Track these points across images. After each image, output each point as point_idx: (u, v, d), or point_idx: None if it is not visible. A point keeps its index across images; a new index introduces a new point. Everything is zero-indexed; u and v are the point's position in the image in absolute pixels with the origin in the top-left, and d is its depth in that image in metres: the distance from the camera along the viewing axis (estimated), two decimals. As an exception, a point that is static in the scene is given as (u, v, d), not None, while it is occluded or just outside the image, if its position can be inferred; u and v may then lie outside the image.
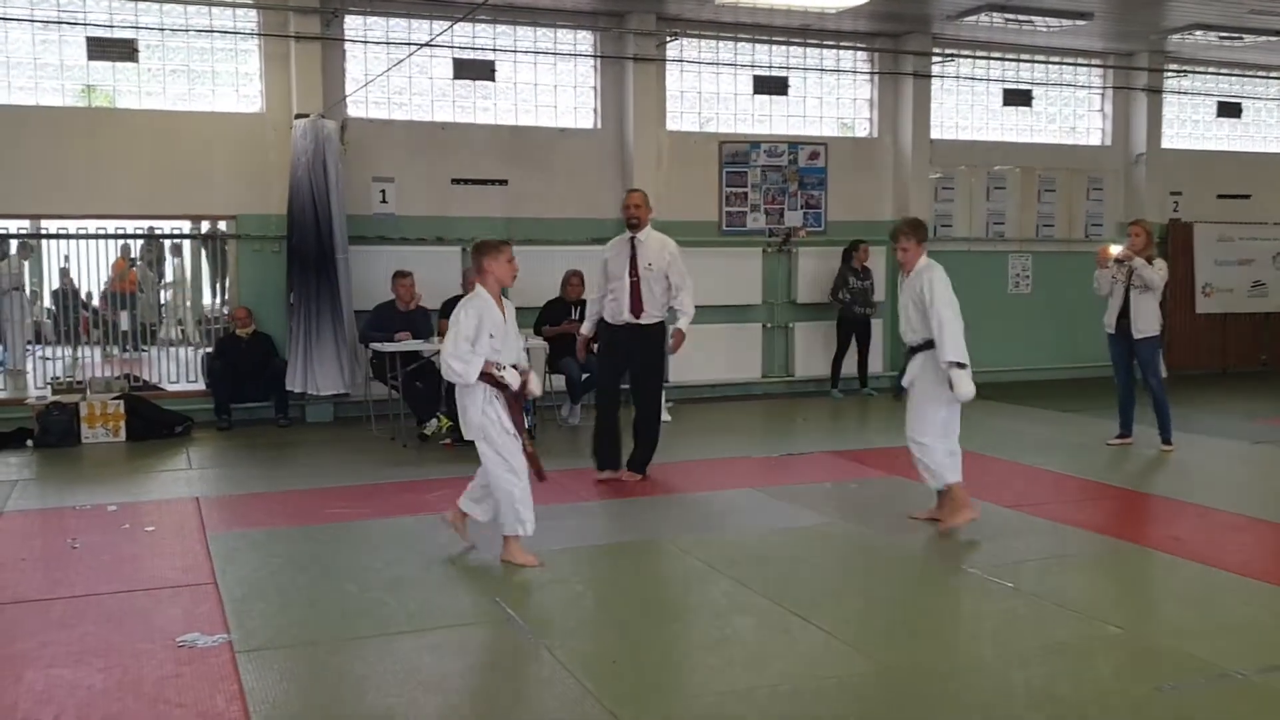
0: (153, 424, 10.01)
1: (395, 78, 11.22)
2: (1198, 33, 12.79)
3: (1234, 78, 15.11)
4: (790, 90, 12.92)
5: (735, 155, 12.63)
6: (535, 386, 5.98)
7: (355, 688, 4.38)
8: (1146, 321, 9.12)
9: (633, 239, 7.68)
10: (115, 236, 11.48)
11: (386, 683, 4.38)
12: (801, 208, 12.94)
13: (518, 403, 5.86)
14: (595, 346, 8.37)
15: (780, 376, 12.99)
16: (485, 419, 5.78)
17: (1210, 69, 14.80)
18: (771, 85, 12.81)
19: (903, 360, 7.01)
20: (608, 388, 8.02)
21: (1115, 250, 9.05)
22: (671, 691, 4.36)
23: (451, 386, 6.10)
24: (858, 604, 5.47)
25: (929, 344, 6.54)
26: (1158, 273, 9.05)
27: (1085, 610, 5.27)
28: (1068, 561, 5.98)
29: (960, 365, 6.40)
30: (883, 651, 4.73)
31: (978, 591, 5.63)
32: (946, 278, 6.68)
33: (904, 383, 6.87)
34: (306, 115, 10.47)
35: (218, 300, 11.91)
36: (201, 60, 10.81)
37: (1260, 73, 15.14)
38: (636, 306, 7.66)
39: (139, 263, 14.85)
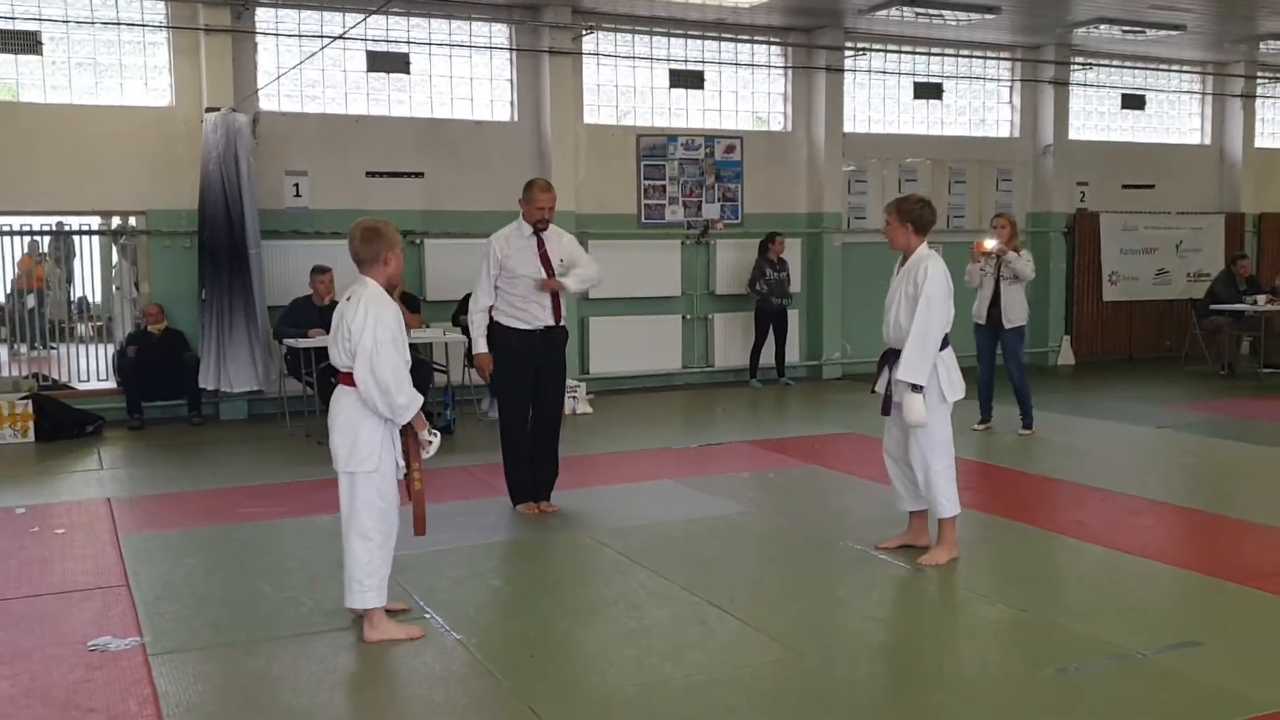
0: (62, 424, 9.80)
1: (308, 71, 11.09)
2: (1102, 26, 13.12)
3: (1137, 70, 15.51)
4: (706, 84, 12.99)
5: (653, 148, 12.69)
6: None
7: (271, 689, 4.36)
8: (1016, 311, 9.43)
9: (539, 234, 6.85)
10: (22, 233, 11.21)
11: (302, 683, 4.37)
12: (719, 200, 13.05)
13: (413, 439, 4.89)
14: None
15: (700, 367, 13.09)
16: (385, 448, 4.81)
17: (1114, 62, 15.19)
18: (687, 79, 12.88)
19: (879, 363, 6.07)
20: (523, 405, 6.94)
21: (990, 244, 9.27)
22: (589, 684, 4.39)
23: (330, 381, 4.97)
24: (773, 592, 5.55)
25: None
26: (1027, 264, 9.37)
27: (992, 594, 5.41)
28: (976, 547, 6.10)
29: (918, 389, 5.65)
30: (797, 639, 4.80)
31: (889, 577, 5.74)
32: (947, 276, 5.76)
33: (895, 396, 5.84)
34: (217, 109, 10.31)
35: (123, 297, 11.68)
36: (108, 53, 10.59)
37: (1162, 65, 15.55)
38: (557, 309, 6.88)
39: (47, 259, 14.49)
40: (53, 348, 12.77)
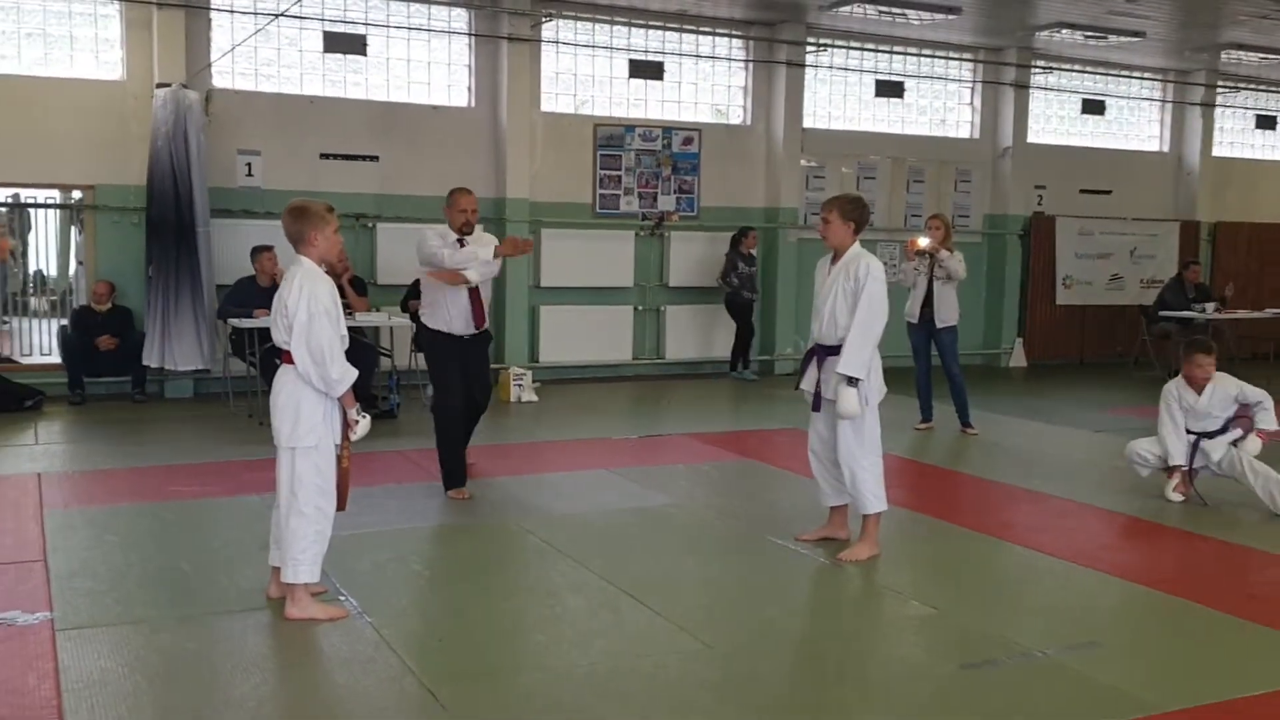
0: (1, 398, 9.71)
1: (263, 49, 11.03)
2: (1063, 31, 13.19)
3: (1098, 76, 15.60)
4: (665, 75, 12.99)
5: (610, 138, 12.68)
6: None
7: (175, 666, 4.35)
8: (949, 311, 9.49)
9: (461, 241, 6.92)
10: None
11: (206, 661, 4.37)
12: (674, 192, 13.05)
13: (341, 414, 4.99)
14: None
15: (651, 359, 13.11)
16: (325, 425, 4.89)
17: (1075, 67, 15.26)
18: (647, 70, 12.87)
19: (804, 360, 6.14)
20: (458, 390, 7.04)
21: (924, 243, 9.32)
22: (493, 670, 4.41)
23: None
24: (690, 584, 5.58)
25: None
26: (960, 264, 9.44)
27: (907, 591, 5.46)
28: (899, 545, 6.14)
29: (853, 382, 5.68)
30: (705, 631, 4.83)
31: (807, 572, 5.78)
32: (884, 276, 5.80)
33: (825, 392, 5.89)
34: (168, 84, 10.24)
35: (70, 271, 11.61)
36: (59, 24, 10.48)
37: (1123, 72, 15.68)
38: (480, 316, 6.99)
39: (6, 232, 14.35)
40: (5, 323, 12.66)
